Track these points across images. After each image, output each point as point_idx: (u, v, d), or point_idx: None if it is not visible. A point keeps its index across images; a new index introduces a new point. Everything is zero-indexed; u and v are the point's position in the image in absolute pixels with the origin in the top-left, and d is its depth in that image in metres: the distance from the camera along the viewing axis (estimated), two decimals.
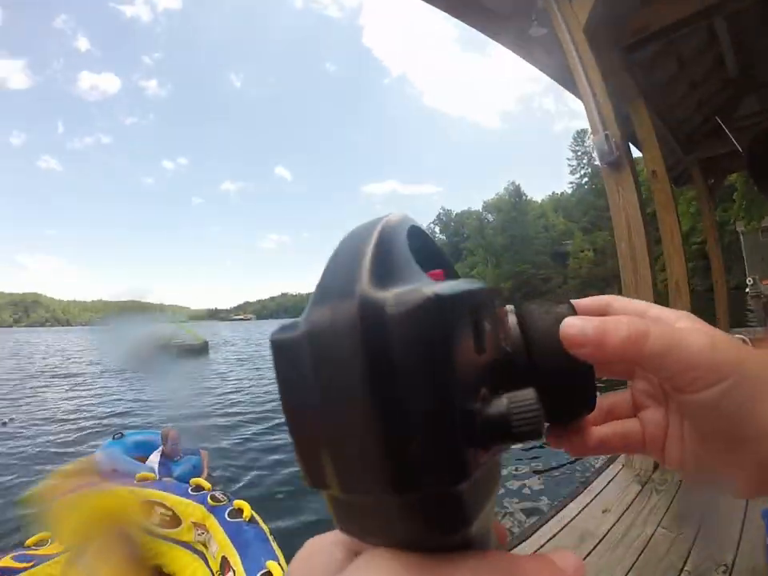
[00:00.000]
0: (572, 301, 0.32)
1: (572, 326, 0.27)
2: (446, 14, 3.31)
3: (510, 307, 0.30)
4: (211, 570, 2.97)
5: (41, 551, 2.95)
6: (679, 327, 0.29)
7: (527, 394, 0.20)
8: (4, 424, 11.01)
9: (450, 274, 0.28)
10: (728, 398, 0.26)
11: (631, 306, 0.34)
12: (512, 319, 0.29)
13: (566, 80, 4.36)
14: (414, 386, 0.17)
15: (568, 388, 0.29)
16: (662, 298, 3.40)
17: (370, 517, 0.19)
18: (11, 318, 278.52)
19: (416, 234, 0.25)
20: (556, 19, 3.06)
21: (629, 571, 2.26)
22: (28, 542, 3.03)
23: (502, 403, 0.20)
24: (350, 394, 0.17)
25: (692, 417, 0.29)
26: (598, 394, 0.30)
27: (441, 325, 0.18)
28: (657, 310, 0.33)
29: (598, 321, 0.27)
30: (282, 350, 0.19)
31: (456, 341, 0.18)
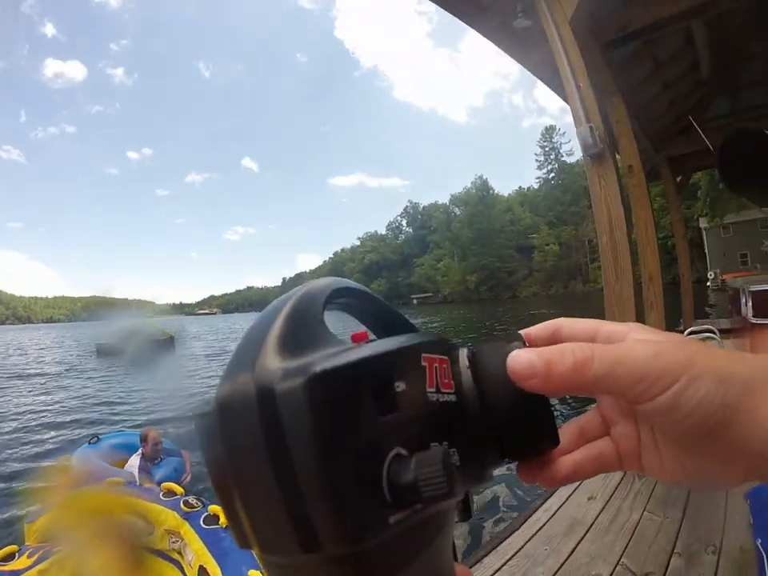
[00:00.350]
0: (522, 331, 0.34)
1: (518, 360, 0.28)
2: (424, 4, 3.31)
3: (463, 351, 0.31)
4: None
5: (8, 567, 2.75)
6: (623, 343, 0.30)
7: (433, 458, 0.21)
8: None
9: (388, 329, 0.31)
10: (683, 398, 0.27)
11: (580, 326, 0.35)
12: (464, 362, 0.30)
13: (545, 73, 4.41)
14: (304, 456, 0.19)
15: (526, 426, 0.29)
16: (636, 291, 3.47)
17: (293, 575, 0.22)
18: None
19: (354, 295, 0.29)
20: (543, 12, 3.08)
21: (621, 556, 2.30)
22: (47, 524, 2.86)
23: (408, 467, 0.21)
24: (253, 465, 0.20)
25: (657, 423, 0.30)
26: (561, 423, 0.31)
27: (325, 399, 0.20)
28: (608, 326, 0.33)
29: (543, 352, 0.28)
30: (200, 423, 0.22)
31: (345, 411, 0.20)
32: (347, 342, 0.25)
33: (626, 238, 3.01)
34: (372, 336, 0.29)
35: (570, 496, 3.02)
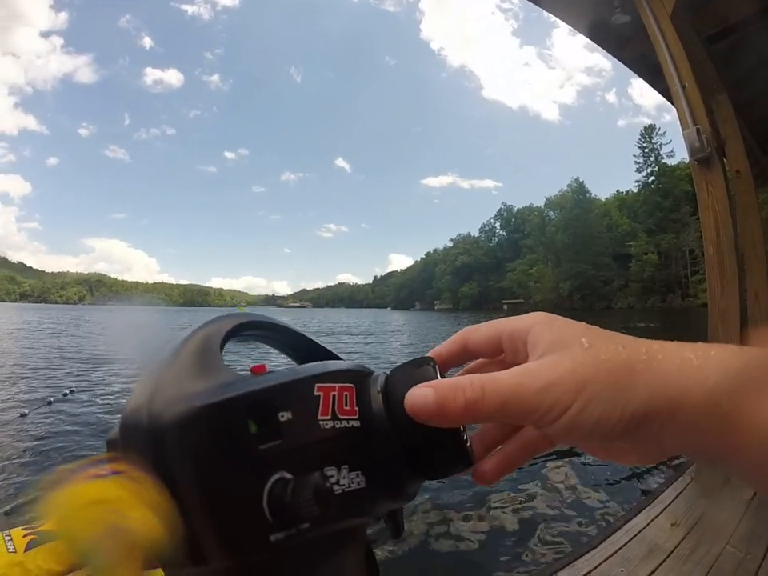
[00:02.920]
0: (433, 351, 0.36)
1: (413, 399, 0.29)
2: (506, 2, 3.25)
3: (380, 377, 0.33)
4: None
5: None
6: (516, 374, 0.29)
7: (306, 483, 0.23)
8: (65, 395, 11.46)
9: (306, 357, 0.34)
10: (580, 420, 0.27)
11: (484, 337, 0.35)
12: (376, 388, 0.32)
13: (645, 70, 4.19)
14: (186, 480, 0.22)
15: (435, 450, 0.31)
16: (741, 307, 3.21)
17: None
18: (76, 296, 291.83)
19: (264, 327, 0.33)
20: (642, 7, 2.93)
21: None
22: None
23: (287, 491, 0.23)
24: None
25: (562, 439, 0.30)
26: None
27: (202, 431, 0.23)
28: (510, 327, 0.34)
29: (439, 388, 0.29)
30: (109, 444, 0.26)
31: (221, 440, 0.23)
32: (246, 374, 0.28)
33: (734, 249, 2.80)
34: (280, 365, 0.31)
35: (653, 519, 2.87)
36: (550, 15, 3.68)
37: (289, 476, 0.24)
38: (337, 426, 0.28)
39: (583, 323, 0.32)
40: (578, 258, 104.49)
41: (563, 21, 3.64)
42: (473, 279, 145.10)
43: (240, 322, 0.30)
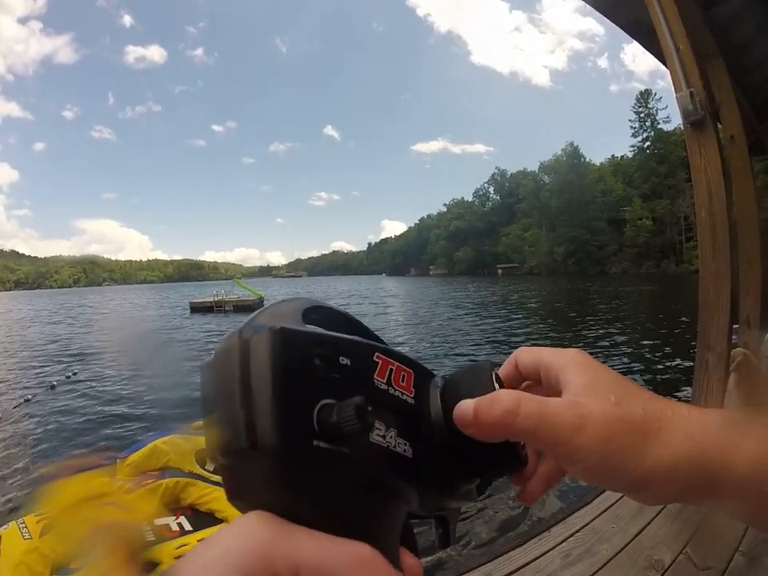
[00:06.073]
0: (500, 370, 0.40)
1: (458, 410, 0.33)
2: None
3: (439, 379, 0.38)
4: None
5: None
6: (554, 404, 0.32)
7: (349, 403, 0.27)
8: (68, 378, 11.51)
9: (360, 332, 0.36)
10: (599, 467, 0.31)
11: (529, 359, 0.39)
12: (436, 384, 0.37)
13: (640, 32, 4.12)
14: (259, 382, 0.26)
15: (489, 451, 0.34)
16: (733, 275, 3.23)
17: (241, 479, 0.28)
18: (71, 279, 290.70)
19: (335, 313, 0.37)
20: None
21: (685, 546, 2.23)
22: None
23: (333, 411, 0.27)
24: (227, 385, 0.27)
25: (576, 476, 0.33)
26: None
27: (280, 347, 0.27)
28: (547, 359, 0.37)
29: (480, 402, 0.32)
30: (203, 367, 0.30)
31: (292, 359, 0.27)
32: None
33: (726, 213, 2.78)
34: None
35: None
36: None
37: (333, 402, 0.28)
38: (390, 392, 0.33)
39: (613, 373, 0.35)
40: (572, 223, 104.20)
41: None
42: (467, 244, 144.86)
43: (311, 305, 0.34)
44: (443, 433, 0.35)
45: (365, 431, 0.27)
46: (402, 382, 0.34)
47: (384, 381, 0.32)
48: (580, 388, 0.33)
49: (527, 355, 0.39)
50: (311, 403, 0.27)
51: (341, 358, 0.30)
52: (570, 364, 0.35)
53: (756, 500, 0.31)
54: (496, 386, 0.35)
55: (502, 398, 0.32)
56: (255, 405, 0.26)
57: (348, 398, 0.28)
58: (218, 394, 0.28)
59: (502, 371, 0.40)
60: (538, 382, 0.39)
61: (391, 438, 0.31)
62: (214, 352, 0.30)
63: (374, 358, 0.32)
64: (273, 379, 0.26)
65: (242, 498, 0.28)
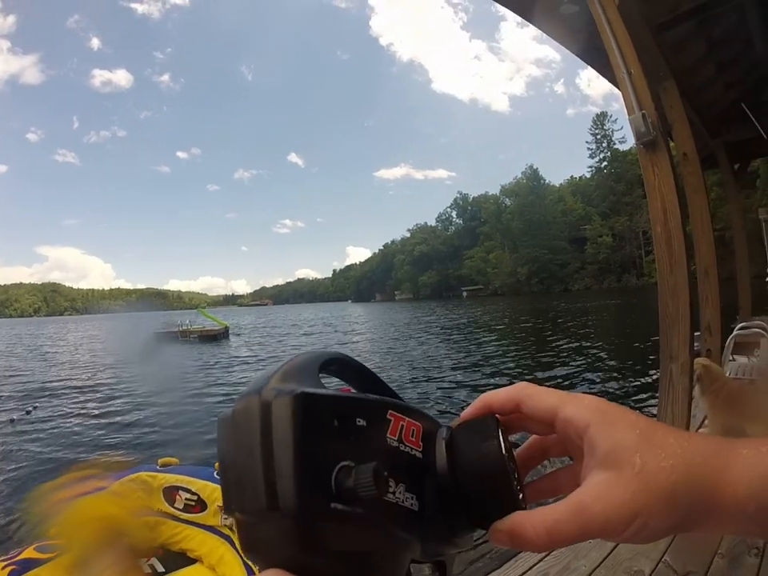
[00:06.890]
0: (486, 396, 0.40)
1: (520, 532, 0.33)
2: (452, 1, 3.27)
3: (444, 429, 0.39)
4: (239, 554, 2.92)
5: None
6: (584, 503, 0.33)
7: (366, 468, 0.28)
8: (28, 413, 11.16)
9: (369, 387, 0.39)
10: (629, 539, 0.32)
11: (541, 406, 0.37)
12: (441, 436, 0.38)
13: (595, 58, 4.28)
14: (281, 444, 0.28)
15: (488, 499, 0.36)
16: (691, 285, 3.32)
17: (259, 535, 0.29)
18: (31, 308, 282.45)
19: (351, 365, 0.39)
20: None
21: (664, 553, 2.25)
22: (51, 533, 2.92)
23: (351, 473, 0.28)
24: (247, 446, 0.29)
25: None
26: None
27: (302, 411, 0.28)
28: (567, 410, 0.36)
29: (536, 525, 0.33)
30: (220, 423, 0.31)
31: (313, 423, 0.29)
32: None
33: (681, 228, 2.88)
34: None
35: None
36: (500, 8, 3.73)
37: (352, 464, 0.29)
38: (401, 449, 0.34)
39: (640, 422, 0.35)
40: (534, 243, 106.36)
41: (515, 12, 3.68)
42: (432, 268, 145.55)
43: (329, 357, 0.37)
44: (448, 484, 0.36)
45: (380, 495, 0.29)
46: (412, 437, 0.35)
47: (396, 438, 0.34)
48: (604, 455, 0.33)
49: (539, 402, 0.37)
50: (330, 466, 0.29)
51: (357, 420, 0.31)
52: (592, 422, 0.35)
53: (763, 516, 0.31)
54: (504, 453, 0.36)
55: (529, 531, 0.33)
56: (277, 468, 0.27)
57: (364, 458, 0.30)
58: (237, 453, 0.29)
59: (497, 404, 0.39)
60: (545, 434, 0.40)
61: (400, 493, 0.32)
62: (232, 410, 0.31)
63: (387, 416, 0.34)
64: (294, 444, 0.28)
65: (258, 553, 0.30)
